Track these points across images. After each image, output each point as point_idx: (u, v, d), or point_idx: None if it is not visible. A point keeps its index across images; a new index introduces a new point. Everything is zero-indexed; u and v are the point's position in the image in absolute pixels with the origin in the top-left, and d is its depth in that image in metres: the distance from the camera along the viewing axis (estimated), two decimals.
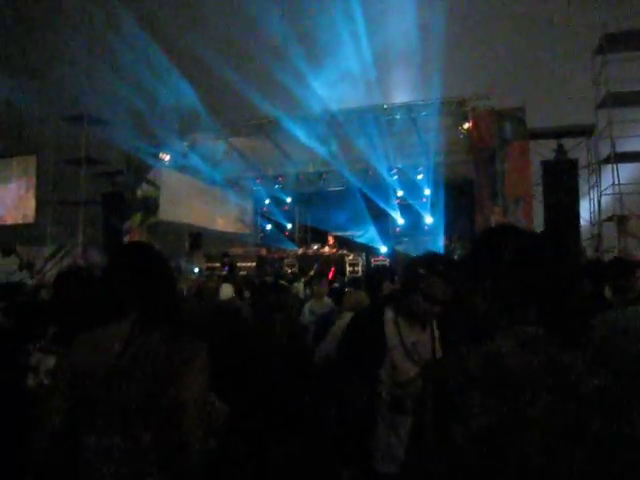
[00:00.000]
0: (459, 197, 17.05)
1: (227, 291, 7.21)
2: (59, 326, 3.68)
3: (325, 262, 17.57)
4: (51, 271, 14.50)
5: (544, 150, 15.01)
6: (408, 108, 15.81)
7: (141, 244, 2.38)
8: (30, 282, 10.24)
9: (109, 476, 1.71)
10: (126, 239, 17.19)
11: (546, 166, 14.74)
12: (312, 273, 11.91)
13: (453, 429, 1.38)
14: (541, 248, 1.56)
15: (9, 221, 18.14)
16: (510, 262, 1.52)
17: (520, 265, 1.51)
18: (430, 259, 2.81)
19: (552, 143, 14.95)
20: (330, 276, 16.36)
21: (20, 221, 17.90)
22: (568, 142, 15.08)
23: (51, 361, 3.56)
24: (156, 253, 2.12)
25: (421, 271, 2.74)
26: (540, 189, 14.76)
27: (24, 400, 3.65)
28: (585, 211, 14.98)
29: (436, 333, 2.89)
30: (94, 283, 3.58)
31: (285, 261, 19.38)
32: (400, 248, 19.99)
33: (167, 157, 18.72)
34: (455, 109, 15.34)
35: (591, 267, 4.90)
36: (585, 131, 15.22)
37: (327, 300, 6.98)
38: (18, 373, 3.68)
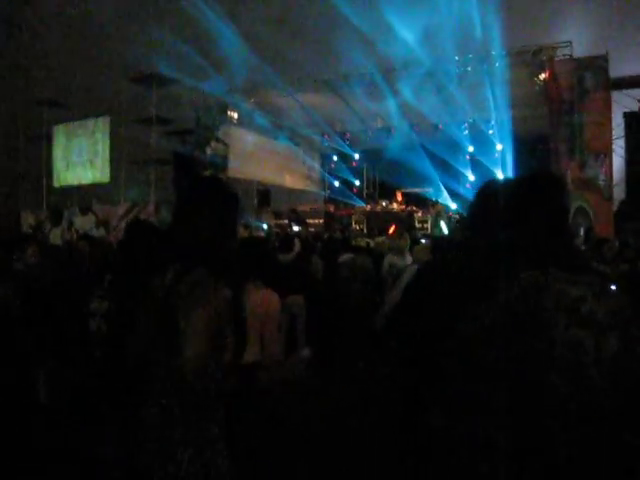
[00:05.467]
0: (533, 152, 16.40)
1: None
2: (114, 274, 3.80)
3: (395, 219, 17.42)
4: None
5: (628, 101, 14.17)
6: (481, 59, 15.22)
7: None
8: (106, 237, 10.60)
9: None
10: None
11: (630, 118, 13.93)
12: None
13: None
14: (520, 196, 1.59)
15: (86, 181, 18.75)
16: (496, 215, 1.60)
17: (508, 215, 1.58)
18: None
19: (637, 93, 14.10)
20: (391, 232, 16.27)
21: (95, 181, 18.47)
22: None
23: (104, 306, 3.70)
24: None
25: None
26: (622, 143, 14.01)
27: (88, 345, 3.79)
28: None
29: None
30: (159, 235, 3.64)
31: (353, 218, 19.34)
32: None
33: (235, 115, 18.82)
34: (531, 59, 14.63)
35: None
36: None
37: (409, 255, 6.92)
38: (80, 319, 3.84)
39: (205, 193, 2.16)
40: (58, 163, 19.47)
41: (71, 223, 12.48)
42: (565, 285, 1.40)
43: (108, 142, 18.09)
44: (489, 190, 1.71)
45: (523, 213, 1.55)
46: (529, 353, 1.35)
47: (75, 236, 11.61)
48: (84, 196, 16.99)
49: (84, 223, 12.36)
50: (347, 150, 22.11)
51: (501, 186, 1.70)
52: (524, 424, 1.35)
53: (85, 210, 12.99)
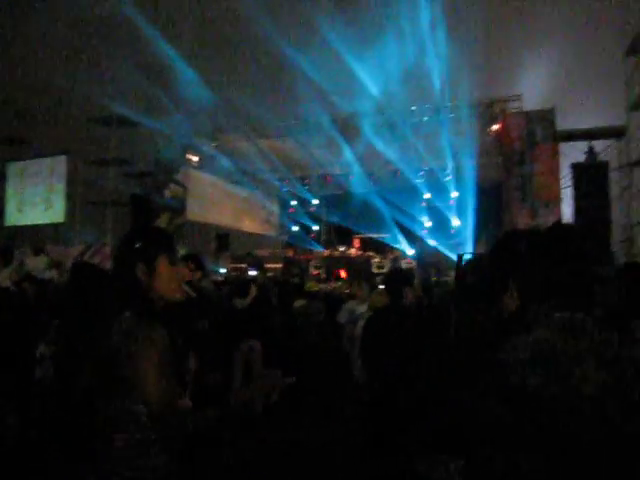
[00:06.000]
0: (487, 200, 16.84)
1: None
2: (62, 319, 3.74)
3: (353, 264, 17.57)
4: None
5: (574, 152, 14.78)
6: (436, 110, 15.72)
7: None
8: (59, 280, 10.38)
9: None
10: None
11: (576, 168, 14.51)
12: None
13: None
14: (553, 243, 1.68)
15: (40, 221, 18.42)
16: (530, 260, 1.65)
17: (539, 262, 1.63)
18: None
19: (582, 145, 14.72)
20: (343, 276, 16.38)
21: (50, 221, 18.16)
22: (599, 144, 14.84)
23: (51, 350, 3.62)
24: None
25: None
26: (570, 192, 14.54)
27: (32, 391, 3.71)
28: (616, 214, 14.70)
29: None
30: (105, 279, 3.60)
31: (311, 262, 19.38)
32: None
33: (195, 158, 18.90)
34: (484, 111, 15.21)
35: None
36: (616, 133, 14.95)
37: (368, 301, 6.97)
38: (27, 365, 3.76)
39: (135, 239, 2.16)
40: (11, 201, 19.10)
41: (22, 264, 12.20)
42: (593, 328, 1.48)
43: (64, 182, 17.85)
44: (514, 238, 1.82)
45: (551, 260, 1.63)
46: (562, 388, 1.40)
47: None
48: (37, 236, 16.66)
49: (36, 264, 12.09)
50: (306, 195, 22.29)
51: (529, 235, 1.81)
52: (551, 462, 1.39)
53: (37, 251, 12.72)
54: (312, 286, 9.57)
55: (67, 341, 3.42)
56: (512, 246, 1.77)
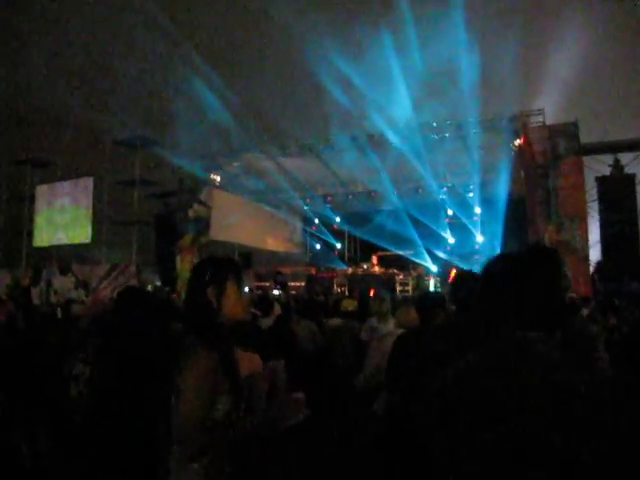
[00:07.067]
0: (512, 215, 16.69)
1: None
2: (103, 339, 3.79)
3: (376, 281, 17.48)
4: (106, 290, 14.84)
5: (600, 166, 14.63)
6: (458, 126, 15.68)
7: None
8: (85, 300, 10.50)
9: None
10: (178, 259, 17.51)
11: (602, 182, 14.33)
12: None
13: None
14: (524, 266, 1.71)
15: (67, 241, 18.70)
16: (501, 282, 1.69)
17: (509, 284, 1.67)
18: None
19: (608, 158, 14.56)
20: (372, 295, 16.29)
21: (77, 241, 18.43)
22: (625, 157, 14.66)
23: (87, 371, 3.69)
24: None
25: None
26: (596, 206, 14.36)
27: (66, 408, 3.75)
28: None
29: None
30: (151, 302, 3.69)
31: (335, 280, 19.34)
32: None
33: (218, 177, 19.07)
34: (506, 125, 15.12)
35: None
36: None
37: (392, 319, 6.89)
38: (62, 383, 3.82)
39: (207, 266, 2.41)
40: (39, 223, 19.46)
41: (50, 283, 12.38)
42: (545, 349, 1.49)
43: (91, 203, 18.13)
44: (495, 263, 1.85)
45: (519, 283, 1.65)
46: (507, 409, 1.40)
47: (54, 296, 11.52)
48: (64, 256, 16.90)
49: (63, 283, 12.27)
50: (329, 213, 22.33)
51: (503, 258, 1.85)
52: None
53: (64, 270, 12.90)
54: (348, 305, 9.47)
55: (106, 363, 3.47)
56: (490, 268, 1.78)
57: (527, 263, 1.70)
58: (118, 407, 2.98)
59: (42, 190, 19.53)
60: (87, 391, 3.60)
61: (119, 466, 2.85)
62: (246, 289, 17.87)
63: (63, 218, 18.89)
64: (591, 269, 13.99)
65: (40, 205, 19.52)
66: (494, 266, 1.77)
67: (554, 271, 1.69)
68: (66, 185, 18.87)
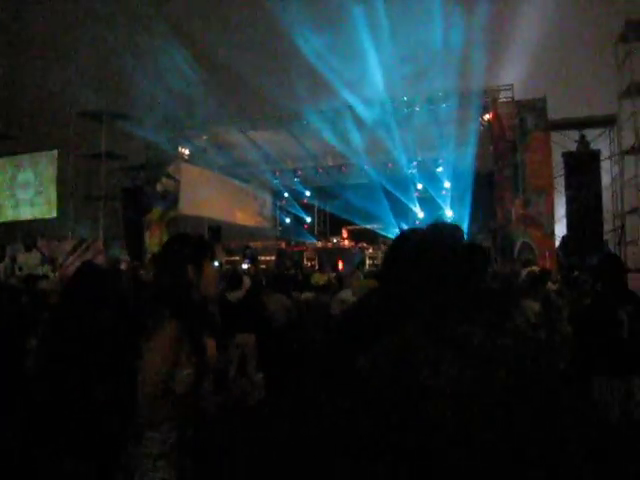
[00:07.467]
0: (480, 190, 16.84)
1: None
2: (54, 314, 3.78)
3: (346, 255, 17.59)
4: (73, 265, 14.60)
5: (566, 141, 14.82)
6: (428, 100, 15.67)
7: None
8: (52, 275, 10.33)
9: None
10: (147, 234, 17.34)
11: (568, 157, 14.55)
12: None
13: None
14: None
15: (31, 216, 18.33)
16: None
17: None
18: None
19: (574, 134, 14.76)
20: (340, 268, 16.41)
21: (42, 216, 18.07)
22: (590, 133, 14.88)
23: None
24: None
25: None
26: (562, 181, 14.58)
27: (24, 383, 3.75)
28: (608, 203, 14.75)
29: None
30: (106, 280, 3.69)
31: (305, 254, 19.39)
32: None
33: (187, 151, 18.83)
34: (475, 100, 15.17)
35: None
36: (607, 121, 14.98)
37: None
38: (19, 356, 3.81)
39: (182, 245, 2.55)
40: (2, 197, 19.01)
41: (14, 259, 12.15)
42: (457, 324, 1.49)
43: (55, 176, 17.76)
44: (402, 239, 1.83)
45: (426, 261, 1.63)
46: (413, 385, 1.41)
47: (18, 272, 11.31)
48: (29, 232, 16.57)
49: (28, 259, 12.05)
50: (298, 187, 22.26)
51: (412, 235, 1.83)
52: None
53: (29, 246, 12.65)
54: (318, 279, 9.51)
55: (64, 333, 3.45)
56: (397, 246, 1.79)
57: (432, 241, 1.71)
58: (66, 377, 3.00)
59: (5, 164, 19.03)
60: (37, 363, 3.61)
61: (78, 436, 2.87)
62: (216, 263, 17.83)
63: (27, 192, 18.47)
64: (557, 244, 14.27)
65: (3, 179, 19.04)
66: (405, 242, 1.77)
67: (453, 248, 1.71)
68: (30, 158, 18.44)
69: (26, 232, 16.29)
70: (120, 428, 2.29)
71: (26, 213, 18.50)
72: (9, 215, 18.90)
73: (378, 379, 1.48)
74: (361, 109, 15.79)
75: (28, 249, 12.51)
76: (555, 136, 14.66)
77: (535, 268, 9.78)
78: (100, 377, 2.89)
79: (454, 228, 1.77)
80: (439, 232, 1.75)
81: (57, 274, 11.08)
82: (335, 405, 1.67)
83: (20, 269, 11.63)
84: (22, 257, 12.28)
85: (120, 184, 18.27)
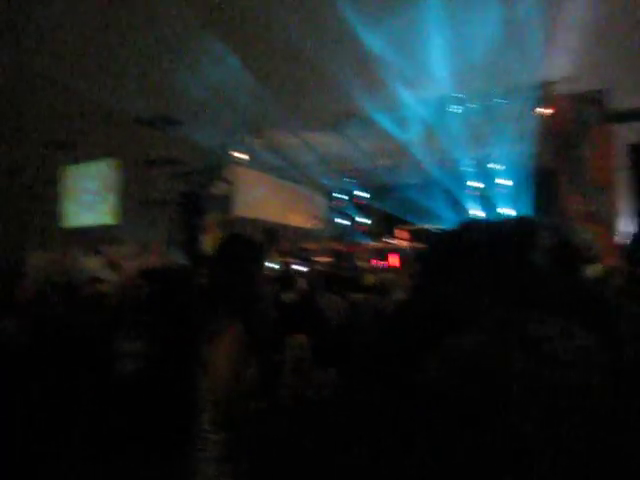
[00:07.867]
0: (540, 187, 16.37)
1: None
2: (151, 317, 3.85)
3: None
4: (134, 270, 14.94)
5: (632, 133, 14.22)
6: (483, 95, 15.35)
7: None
8: (113, 280, 10.60)
9: None
10: (205, 238, 17.61)
11: (633, 150, 13.94)
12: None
13: None
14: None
15: (92, 222, 18.86)
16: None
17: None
18: None
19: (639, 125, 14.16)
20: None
21: (102, 223, 18.56)
22: None
23: (136, 347, 3.80)
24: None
25: None
26: (627, 175, 14.01)
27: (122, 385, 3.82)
28: None
29: None
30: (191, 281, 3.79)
31: (360, 255, 19.31)
32: None
33: (241, 155, 19.04)
34: (533, 94, 14.76)
35: None
36: None
37: None
38: (114, 359, 3.90)
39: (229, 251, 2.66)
40: (64, 205, 19.62)
41: (79, 265, 12.54)
42: (531, 324, 1.40)
43: (114, 184, 18.23)
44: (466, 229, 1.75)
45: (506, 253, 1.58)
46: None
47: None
48: (91, 238, 17.06)
49: (93, 266, 12.41)
50: (353, 188, 22.20)
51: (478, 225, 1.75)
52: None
53: (94, 252, 13.05)
54: (373, 279, 9.45)
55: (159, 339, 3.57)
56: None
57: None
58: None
59: (66, 172, 19.68)
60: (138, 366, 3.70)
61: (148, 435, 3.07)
62: (271, 265, 17.97)
63: (87, 200, 19.01)
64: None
65: (65, 187, 19.66)
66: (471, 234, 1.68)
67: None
68: (89, 166, 18.98)
69: (89, 238, 16.82)
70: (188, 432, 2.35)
71: (88, 220, 19.04)
72: (72, 221, 19.50)
73: (455, 381, 1.41)
74: (415, 107, 15.60)
75: (92, 255, 12.88)
76: (620, 128, 14.07)
77: (599, 266, 9.43)
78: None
79: (529, 221, 1.66)
80: (512, 223, 1.65)
81: (120, 279, 11.36)
82: (400, 407, 1.62)
83: (83, 273, 11.98)
84: (87, 263, 12.67)
85: (177, 189, 18.61)
